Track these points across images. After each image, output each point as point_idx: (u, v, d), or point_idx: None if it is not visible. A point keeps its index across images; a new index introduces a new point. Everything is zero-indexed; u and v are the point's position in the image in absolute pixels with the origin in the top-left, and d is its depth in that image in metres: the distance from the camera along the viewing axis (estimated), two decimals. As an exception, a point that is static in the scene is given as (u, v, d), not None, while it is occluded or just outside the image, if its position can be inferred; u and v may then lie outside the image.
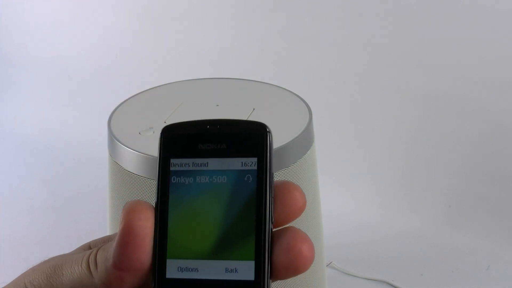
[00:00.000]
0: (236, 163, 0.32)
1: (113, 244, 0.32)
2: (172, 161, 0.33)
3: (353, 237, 1.32)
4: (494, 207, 1.32)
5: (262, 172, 0.32)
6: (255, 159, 0.32)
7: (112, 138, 0.82)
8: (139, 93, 0.95)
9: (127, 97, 0.94)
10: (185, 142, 0.33)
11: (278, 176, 0.78)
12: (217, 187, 0.32)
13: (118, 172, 0.81)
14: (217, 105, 0.89)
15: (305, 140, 0.82)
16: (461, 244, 1.27)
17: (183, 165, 0.33)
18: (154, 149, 0.78)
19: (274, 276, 0.32)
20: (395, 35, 1.39)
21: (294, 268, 0.31)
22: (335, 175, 1.43)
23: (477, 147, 1.35)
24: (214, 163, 0.33)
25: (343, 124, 1.47)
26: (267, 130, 0.33)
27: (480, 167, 1.35)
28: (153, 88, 0.97)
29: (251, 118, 0.85)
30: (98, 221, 1.36)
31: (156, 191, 0.33)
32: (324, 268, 0.95)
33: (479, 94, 1.33)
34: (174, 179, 0.33)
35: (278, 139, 0.79)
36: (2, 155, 1.73)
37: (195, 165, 0.33)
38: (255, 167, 0.32)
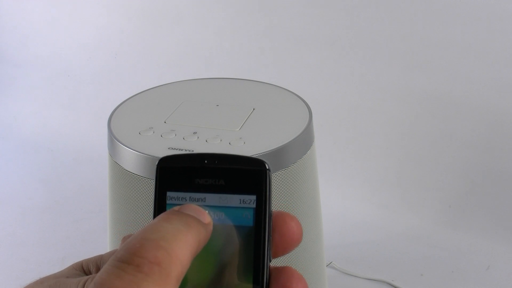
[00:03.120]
0: (234, 200, 0.32)
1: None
2: (169, 194, 0.33)
3: (353, 237, 1.32)
4: (494, 207, 1.32)
5: (261, 210, 0.32)
6: (253, 197, 0.32)
7: (112, 138, 0.82)
8: (139, 93, 0.95)
9: (127, 97, 0.94)
10: (182, 175, 0.33)
11: (278, 176, 0.78)
12: (214, 224, 0.32)
13: (118, 172, 0.81)
14: (217, 105, 0.89)
15: (305, 140, 0.82)
16: (461, 244, 1.27)
17: (180, 199, 0.32)
18: (154, 149, 0.79)
19: None
20: (395, 35, 1.39)
21: None
22: (335, 175, 1.43)
23: (477, 147, 1.35)
24: (211, 199, 0.32)
25: (343, 124, 1.47)
26: (267, 167, 0.32)
27: (480, 167, 1.35)
28: (153, 88, 0.97)
29: (251, 118, 0.85)
30: (98, 221, 1.36)
31: None
32: (324, 268, 0.95)
33: (479, 94, 1.33)
34: None
35: (278, 139, 0.79)
36: (2, 155, 1.73)
37: (192, 199, 0.32)
38: (254, 205, 0.32)
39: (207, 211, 0.32)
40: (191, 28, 1.65)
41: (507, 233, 1.28)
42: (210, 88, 0.97)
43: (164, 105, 0.89)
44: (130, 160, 0.79)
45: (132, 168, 0.79)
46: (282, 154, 0.78)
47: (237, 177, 0.32)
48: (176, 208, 0.32)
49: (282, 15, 1.52)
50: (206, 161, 0.33)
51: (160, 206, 0.33)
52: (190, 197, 0.32)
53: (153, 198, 0.33)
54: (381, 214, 1.37)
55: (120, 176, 0.81)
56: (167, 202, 0.33)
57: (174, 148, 0.78)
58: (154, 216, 0.32)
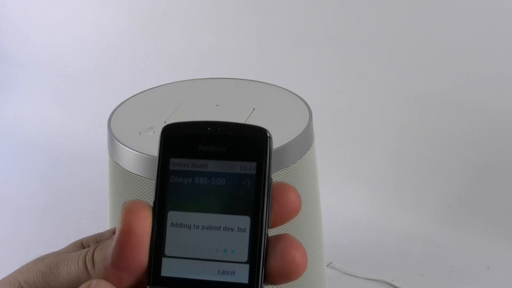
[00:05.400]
0: (235, 166, 0.33)
1: (112, 243, 0.32)
2: (172, 160, 0.33)
3: (353, 237, 1.32)
4: (494, 207, 1.32)
5: (261, 177, 0.32)
6: (254, 164, 0.33)
7: (112, 138, 0.82)
8: (139, 93, 0.95)
9: (127, 97, 0.94)
10: (185, 142, 0.33)
11: (278, 176, 0.78)
12: (215, 189, 0.33)
13: (118, 172, 0.81)
14: (217, 105, 0.89)
15: (305, 140, 0.82)
16: (461, 244, 1.27)
17: (183, 165, 0.33)
18: (154, 149, 0.79)
19: (267, 281, 0.32)
20: (395, 35, 1.39)
21: (287, 274, 0.32)
22: (335, 175, 1.43)
23: (477, 147, 1.35)
24: (213, 165, 0.33)
25: (343, 124, 1.47)
26: (268, 135, 0.33)
27: (480, 167, 1.35)
28: (153, 88, 0.97)
29: (251, 118, 0.85)
30: (98, 221, 1.36)
31: (155, 190, 0.33)
32: (324, 268, 0.95)
33: (479, 94, 1.33)
34: (173, 179, 0.33)
35: (278, 139, 0.79)
36: (2, 155, 1.73)
37: (194, 166, 0.33)
38: (254, 172, 0.32)
39: None
40: (191, 29, 1.65)
41: (507, 233, 1.28)
42: (210, 88, 0.97)
43: (164, 105, 0.89)
44: (130, 160, 0.79)
45: (132, 168, 0.79)
46: (282, 154, 0.78)
47: (239, 144, 0.33)
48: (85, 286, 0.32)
49: (282, 15, 1.52)
50: (209, 129, 0.33)
51: (163, 173, 0.33)
52: (192, 163, 0.33)
53: (156, 165, 0.33)
54: (381, 214, 1.37)
55: (120, 176, 0.81)
56: (170, 168, 0.33)
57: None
58: (157, 183, 0.33)
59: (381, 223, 1.35)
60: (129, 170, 0.79)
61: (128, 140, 0.80)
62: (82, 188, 1.53)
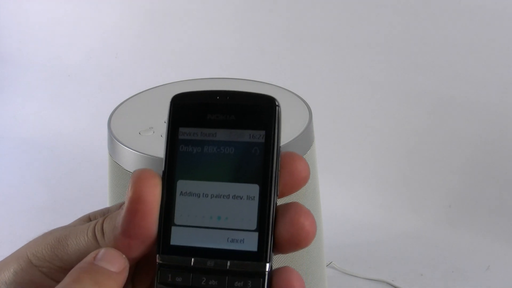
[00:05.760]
0: (244, 135, 0.33)
1: (122, 212, 0.32)
2: (181, 129, 0.34)
3: (353, 237, 1.32)
4: (494, 207, 1.32)
5: (270, 145, 0.33)
6: (263, 132, 0.33)
7: (112, 138, 0.82)
8: (139, 93, 0.95)
9: (127, 97, 0.94)
10: (194, 111, 0.34)
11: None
12: (224, 158, 0.33)
13: (118, 172, 0.81)
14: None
15: (305, 140, 0.82)
16: (461, 244, 1.27)
17: (192, 134, 0.33)
18: (154, 149, 0.79)
19: (277, 249, 0.32)
20: (395, 35, 1.39)
21: (296, 242, 0.32)
22: (335, 175, 1.43)
23: (477, 147, 1.35)
24: (222, 134, 0.33)
25: (343, 124, 1.47)
26: (276, 103, 0.33)
27: (480, 167, 1.35)
28: (153, 88, 0.97)
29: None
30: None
31: (164, 159, 0.33)
32: (324, 268, 0.95)
33: (479, 94, 1.33)
34: (182, 148, 0.33)
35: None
36: (2, 155, 1.73)
37: (204, 135, 0.33)
38: (263, 140, 0.33)
39: (123, 256, 0.32)
40: (191, 28, 1.65)
41: (507, 233, 1.28)
42: (210, 88, 0.96)
43: (164, 105, 0.89)
44: (130, 160, 0.79)
45: (132, 168, 0.79)
46: (282, 154, 0.78)
47: (247, 113, 0.33)
48: (90, 259, 0.32)
49: (282, 15, 1.52)
50: (218, 98, 0.34)
51: (172, 142, 0.33)
52: (201, 132, 0.33)
53: (165, 135, 0.34)
54: (381, 214, 1.37)
55: (120, 176, 0.81)
56: (179, 137, 0.34)
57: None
58: (166, 153, 0.33)
59: (381, 223, 1.35)
60: (129, 170, 0.79)
61: (128, 140, 0.80)
62: (82, 188, 1.53)
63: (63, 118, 1.80)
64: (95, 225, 0.34)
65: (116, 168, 0.82)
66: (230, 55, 1.60)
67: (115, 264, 0.32)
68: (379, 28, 1.41)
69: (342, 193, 1.41)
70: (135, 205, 0.32)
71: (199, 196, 0.33)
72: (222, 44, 1.61)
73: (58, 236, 0.35)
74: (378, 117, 1.43)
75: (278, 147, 0.33)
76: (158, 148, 0.78)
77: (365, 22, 1.42)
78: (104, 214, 0.37)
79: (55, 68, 1.87)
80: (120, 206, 0.36)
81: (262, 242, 0.32)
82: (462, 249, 1.26)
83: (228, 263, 0.32)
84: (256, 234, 0.32)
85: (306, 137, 0.83)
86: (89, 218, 0.38)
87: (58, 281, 0.33)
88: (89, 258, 0.32)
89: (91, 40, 1.82)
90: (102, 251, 0.32)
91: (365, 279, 1.19)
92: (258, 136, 0.33)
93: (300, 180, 0.33)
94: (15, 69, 1.94)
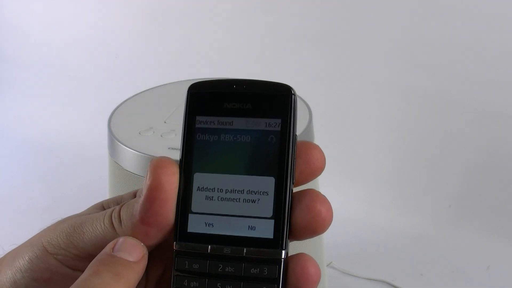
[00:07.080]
0: (260, 123, 0.33)
1: (140, 200, 0.32)
2: (198, 118, 0.34)
3: (353, 237, 1.32)
4: (495, 207, 1.32)
5: (286, 133, 0.33)
6: (279, 120, 0.33)
7: (112, 138, 0.82)
8: (139, 93, 0.95)
9: (127, 97, 0.94)
10: (211, 100, 0.34)
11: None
12: (240, 146, 0.33)
13: (118, 172, 0.81)
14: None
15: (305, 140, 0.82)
16: (461, 244, 1.27)
17: (208, 122, 0.34)
18: (154, 149, 0.79)
19: (293, 236, 0.33)
20: (395, 34, 1.39)
21: (313, 229, 0.32)
22: (335, 175, 1.43)
23: (478, 147, 1.34)
24: (238, 122, 0.33)
25: (343, 124, 1.47)
26: (292, 92, 0.34)
27: (480, 167, 1.35)
28: (153, 88, 0.97)
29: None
30: (98, 221, 1.36)
31: (181, 147, 0.34)
32: (324, 268, 0.95)
33: (479, 94, 1.33)
34: (199, 136, 0.34)
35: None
36: (2, 155, 1.73)
37: (220, 123, 0.34)
38: (279, 128, 0.33)
39: (141, 244, 0.32)
40: (191, 28, 1.65)
41: (507, 233, 1.28)
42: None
43: (164, 105, 0.89)
44: (130, 160, 0.79)
45: (132, 168, 0.79)
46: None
47: (264, 101, 0.34)
48: (108, 250, 0.32)
49: (282, 15, 1.52)
50: (234, 86, 0.34)
51: (189, 130, 0.34)
52: (218, 121, 0.34)
53: (183, 123, 0.34)
54: (381, 214, 1.37)
55: (120, 176, 0.81)
56: (196, 126, 0.34)
57: (174, 148, 0.78)
58: (183, 141, 0.33)
59: (381, 223, 1.35)
60: (129, 170, 0.79)
61: (128, 140, 0.80)
62: (82, 188, 1.53)
63: (63, 118, 1.80)
64: (112, 212, 0.34)
65: (116, 168, 0.82)
66: (230, 55, 1.60)
67: (134, 253, 0.32)
68: (379, 28, 1.41)
69: (342, 193, 1.41)
70: (153, 192, 0.32)
71: (216, 183, 0.33)
72: (222, 44, 1.61)
73: (73, 223, 0.35)
74: (378, 117, 1.43)
75: (295, 135, 0.33)
76: (158, 148, 0.78)
77: (365, 22, 1.42)
78: (117, 202, 0.37)
79: (55, 68, 1.87)
80: (134, 194, 0.36)
81: (278, 229, 0.32)
82: (462, 249, 1.26)
83: (245, 250, 0.32)
84: (272, 222, 0.32)
85: (306, 137, 0.83)
86: (102, 206, 0.38)
87: (73, 269, 0.33)
88: (107, 249, 0.32)
89: (91, 40, 1.82)
90: (120, 240, 0.32)
91: (365, 279, 1.19)
92: (274, 124, 0.33)
93: (316, 169, 0.33)
94: (15, 69, 1.94)
